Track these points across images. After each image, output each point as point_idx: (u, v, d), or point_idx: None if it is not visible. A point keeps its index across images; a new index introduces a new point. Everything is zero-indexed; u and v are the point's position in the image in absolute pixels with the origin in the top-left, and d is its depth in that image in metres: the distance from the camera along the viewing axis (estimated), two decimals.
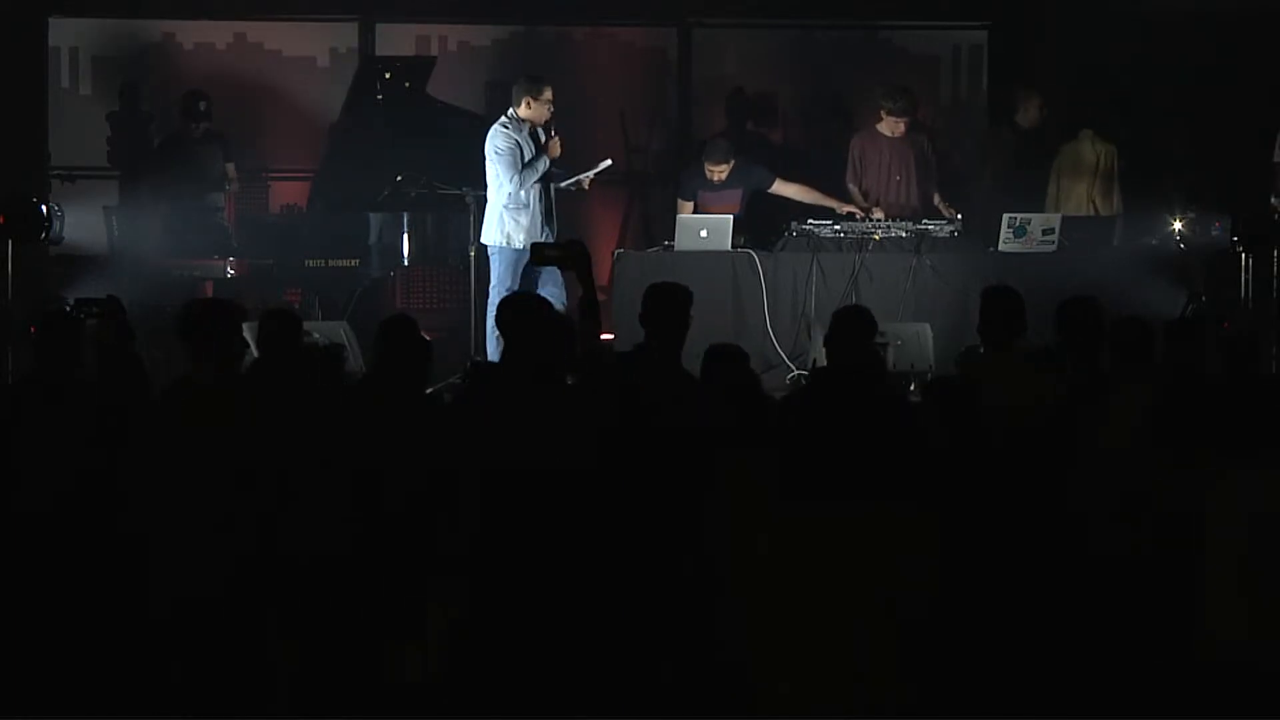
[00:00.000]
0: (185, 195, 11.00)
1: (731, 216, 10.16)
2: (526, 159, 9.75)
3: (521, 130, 9.79)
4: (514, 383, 5.45)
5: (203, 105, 11.11)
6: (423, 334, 5.90)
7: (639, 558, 4.91)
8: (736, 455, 4.75)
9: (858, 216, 10.31)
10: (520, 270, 9.64)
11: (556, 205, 9.97)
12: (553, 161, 9.85)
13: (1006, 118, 11.16)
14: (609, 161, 10.25)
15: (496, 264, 9.79)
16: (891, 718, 4.00)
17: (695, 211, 10.36)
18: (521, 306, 5.76)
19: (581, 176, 10.09)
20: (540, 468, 5.08)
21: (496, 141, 9.79)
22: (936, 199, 10.58)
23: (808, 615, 3.97)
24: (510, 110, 9.85)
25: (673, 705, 4.71)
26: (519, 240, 9.67)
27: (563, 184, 9.99)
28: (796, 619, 3.98)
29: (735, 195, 10.43)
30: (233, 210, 11.35)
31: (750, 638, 4.03)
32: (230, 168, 11.24)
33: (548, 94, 9.81)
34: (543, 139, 9.82)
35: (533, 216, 9.77)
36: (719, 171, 10.39)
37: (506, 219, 9.76)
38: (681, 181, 10.58)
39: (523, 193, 9.74)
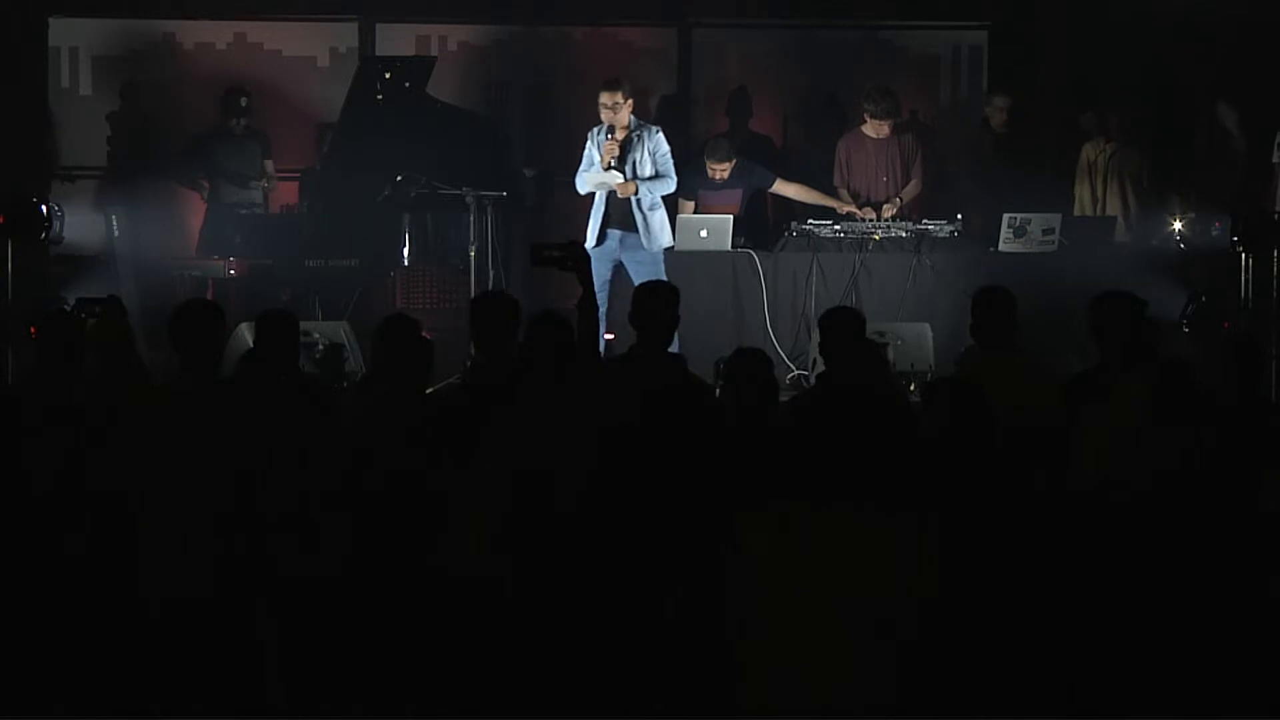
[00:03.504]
0: (223, 191, 11.07)
1: (731, 216, 10.16)
2: (591, 163, 9.83)
3: (599, 134, 9.87)
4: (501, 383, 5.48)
5: (244, 102, 11.18)
6: (424, 334, 5.90)
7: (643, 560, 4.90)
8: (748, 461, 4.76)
9: (858, 217, 10.30)
10: (606, 268, 9.67)
11: (621, 208, 9.87)
12: (621, 163, 9.81)
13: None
14: (618, 176, 9.93)
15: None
16: (888, 718, 4.00)
17: (696, 211, 10.36)
18: (490, 307, 5.77)
19: (594, 186, 9.93)
20: (541, 468, 5.08)
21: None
22: (902, 197, 10.53)
23: (804, 615, 3.96)
24: None
25: (673, 706, 4.70)
26: (586, 239, 9.69)
27: (583, 191, 9.93)
28: (792, 619, 3.96)
29: (736, 195, 10.43)
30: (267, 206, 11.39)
31: (743, 637, 4.01)
32: (269, 165, 11.30)
33: (602, 97, 9.82)
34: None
35: (592, 219, 9.83)
36: (720, 170, 10.39)
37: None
38: (682, 180, 10.58)
39: (592, 195, 9.85)
